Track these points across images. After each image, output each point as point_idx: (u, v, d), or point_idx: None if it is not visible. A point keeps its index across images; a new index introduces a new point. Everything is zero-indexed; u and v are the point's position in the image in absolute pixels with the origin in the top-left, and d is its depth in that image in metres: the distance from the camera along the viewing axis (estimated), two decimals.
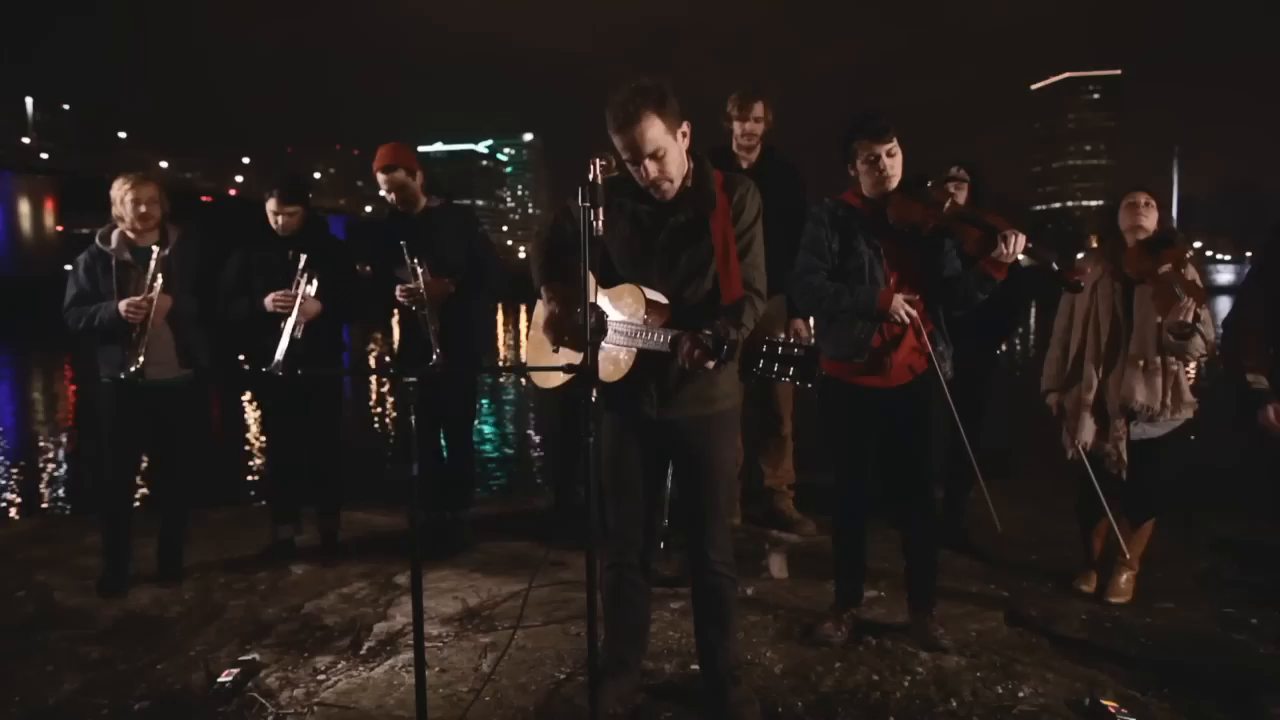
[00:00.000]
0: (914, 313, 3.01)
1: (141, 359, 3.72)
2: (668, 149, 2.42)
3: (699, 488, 2.69)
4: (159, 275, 3.76)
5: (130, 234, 3.86)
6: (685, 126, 2.49)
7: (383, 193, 4.21)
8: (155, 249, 3.78)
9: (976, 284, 3.00)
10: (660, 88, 2.39)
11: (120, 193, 3.83)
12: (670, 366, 2.52)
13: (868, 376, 3.11)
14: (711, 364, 2.28)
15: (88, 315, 3.78)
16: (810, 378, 2.22)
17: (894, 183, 3.04)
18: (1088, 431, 3.63)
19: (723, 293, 2.48)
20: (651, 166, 2.43)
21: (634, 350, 2.50)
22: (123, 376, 3.73)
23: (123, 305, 3.70)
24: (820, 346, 2.60)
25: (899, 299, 3.00)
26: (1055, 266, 3.24)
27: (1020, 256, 2.99)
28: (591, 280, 2.72)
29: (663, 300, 2.53)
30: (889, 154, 3.02)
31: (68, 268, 3.92)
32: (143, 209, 3.81)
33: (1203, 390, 3.64)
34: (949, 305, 3.12)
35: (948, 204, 3.00)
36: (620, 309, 2.55)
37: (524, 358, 2.93)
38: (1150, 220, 3.55)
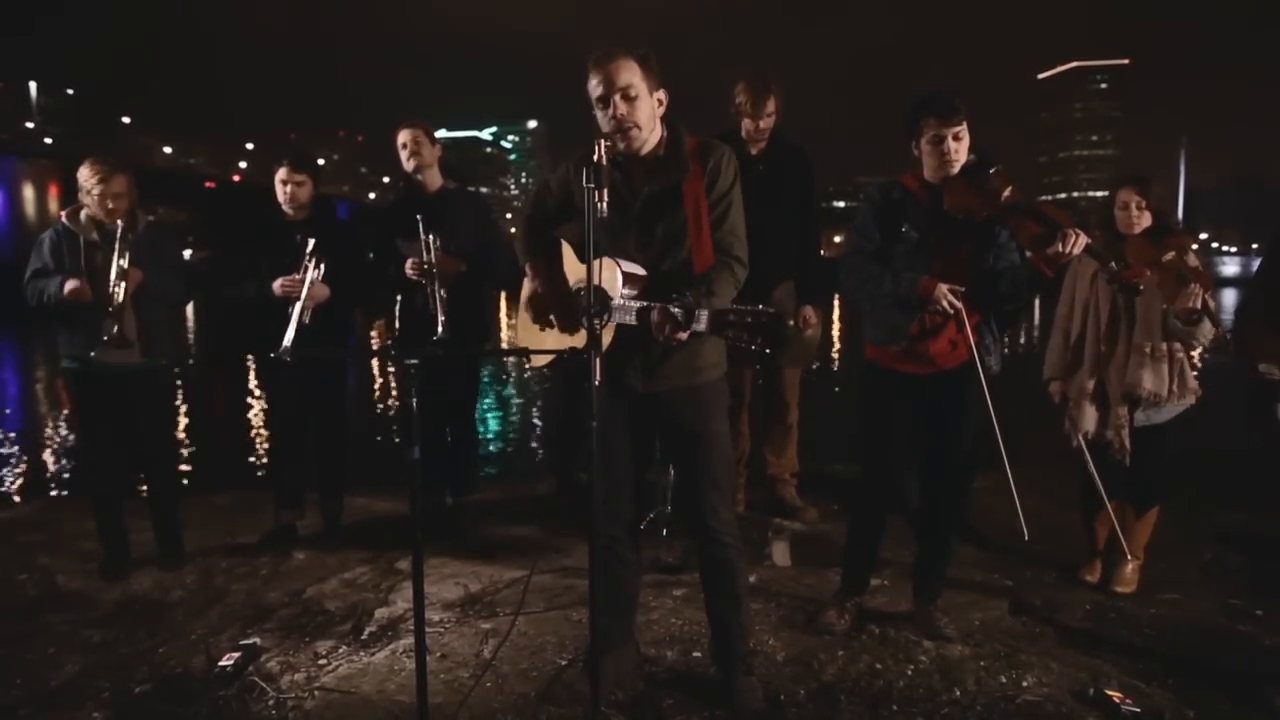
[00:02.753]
0: (958, 303, 2.92)
1: (117, 329, 3.65)
2: (640, 95, 2.42)
3: (693, 460, 2.65)
4: (125, 259, 3.69)
5: (97, 215, 3.79)
6: (663, 94, 2.49)
7: (402, 155, 4.16)
8: (123, 233, 3.70)
9: (1026, 280, 2.86)
10: (644, 49, 2.43)
11: (88, 183, 3.74)
12: (655, 339, 2.46)
13: (906, 363, 3.06)
14: (683, 335, 2.25)
15: (42, 289, 3.68)
16: (775, 343, 2.15)
17: (957, 167, 2.91)
18: (1089, 419, 3.63)
19: (694, 262, 2.46)
20: (621, 104, 2.41)
21: (612, 325, 2.47)
22: (85, 358, 3.68)
23: (68, 286, 3.60)
24: (778, 317, 2.45)
25: (942, 288, 2.91)
26: (1114, 266, 3.20)
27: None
28: (566, 250, 2.69)
29: (639, 272, 2.49)
30: (955, 137, 2.89)
31: (36, 245, 3.86)
32: (110, 205, 3.73)
33: (1206, 380, 3.61)
34: (995, 299, 2.99)
35: (1006, 192, 2.85)
36: (599, 283, 2.50)
37: (515, 337, 2.90)
38: (1145, 220, 3.51)
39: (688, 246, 2.49)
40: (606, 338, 2.48)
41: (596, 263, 2.46)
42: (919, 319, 2.99)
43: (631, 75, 2.40)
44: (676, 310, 2.22)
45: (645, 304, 2.37)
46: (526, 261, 2.70)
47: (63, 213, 3.83)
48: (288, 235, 4.04)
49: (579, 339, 2.58)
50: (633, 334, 2.46)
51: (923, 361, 3.03)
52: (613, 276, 2.45)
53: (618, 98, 2.41)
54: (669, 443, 2.72)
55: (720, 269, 2.47)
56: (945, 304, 2.91)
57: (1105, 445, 3.62)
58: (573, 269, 2.68)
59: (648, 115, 2.46)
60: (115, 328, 3.66)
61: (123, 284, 3.69)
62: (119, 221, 3.73)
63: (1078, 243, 2.74)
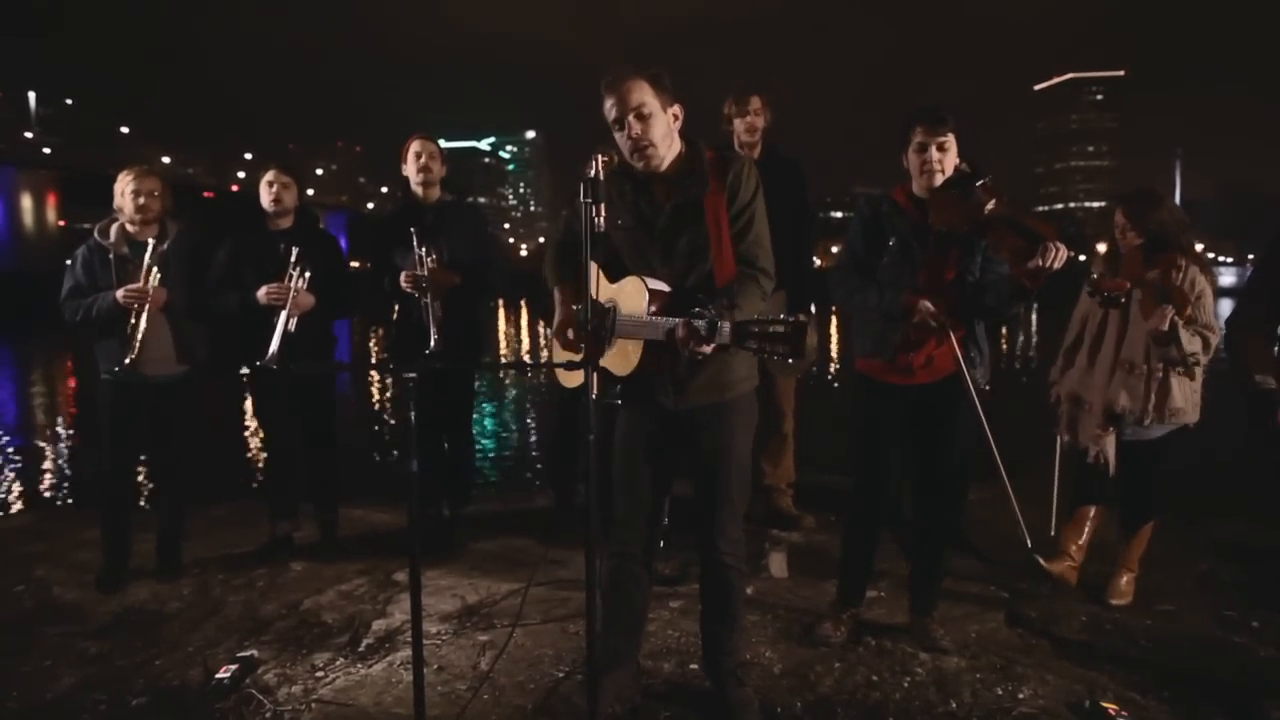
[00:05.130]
0: (940, 316, 2.92)
1: (137, 348, 3.69)
2: (654, 113, 2.45)
3: (714, 476, 2.64)
4: (154, 268, 3.74)
5: (130, 227, 3.85)
6: (677, 109, 2.52)
7: (411, 164, 4.18)
8: (152, 242, 3.76)
9: (1010, 293, 2.87)
10: (656, 69, 2.47)
11: (122, 184, 3.82)
12: (681, 355, 2.46)
13: (893, 375, 3.08)
14: (707, 349, 2.26)
15: (85, 306, 3.76)
16: (798, 353, 2.17)
17: (939, 178, 2.94)
18: (1066, 426, 3.74)
19: (716, 275, 2.48)
20: (636, 125, 2.44)
21: (640, 342, 2.48)
22: (117, 369, 3.71)
23: (120, 292, 3.68)
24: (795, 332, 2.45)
25: (924, 302, 2.94)
26: (1094, 275, 3.18)
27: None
28: (594, 272, 2.71)
29: (665, 288, 2.50)
30: (940, 147, 2.93)
31: (69, 263, 3.91)
32: (142, 200, 3.80)
33: (1203, 392, 3.62)
34: (981, 312, 3.01)
35: (990, 205, 2.84)
36: (626, 302, 2.52)
37: (551, 359, 2.90)
38: (1130, 239, 3.53)
39: (710, 260, 2.50)
40: (635, 356, 2.49)
41: (625, 281, 2.52)
42: (902, 331, 3.01)
43: (644, 94, 2.44)
44: (699, 323, 2.23)
45: (670, 319, 2.38)
46: (555, 286, 2.71)
47: (65, 226, 3.88)
48: (271, 245, 4.06)
49: (607, 358, 2.57)
50: (660, 351, 2.47)
51: (907, 373, 3.05)
52: (639, 294, 2.47)
53: (632, 118, 2.44)
54: (692, 457, 2.70)
55: (745, 280, 2.49)
56: (925, 316, 2.93)
57: (1082, 453, 3.69)
58: (601, 288, 2.67)
59: (663, 133, 2.49)
60: (135, 346, 3.69)
61: (146, 305, 3.71)
62: (149, 239, 3.77)
63: (1058, 257, 2.71)
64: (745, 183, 2.54)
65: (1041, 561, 3.69)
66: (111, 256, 3.81)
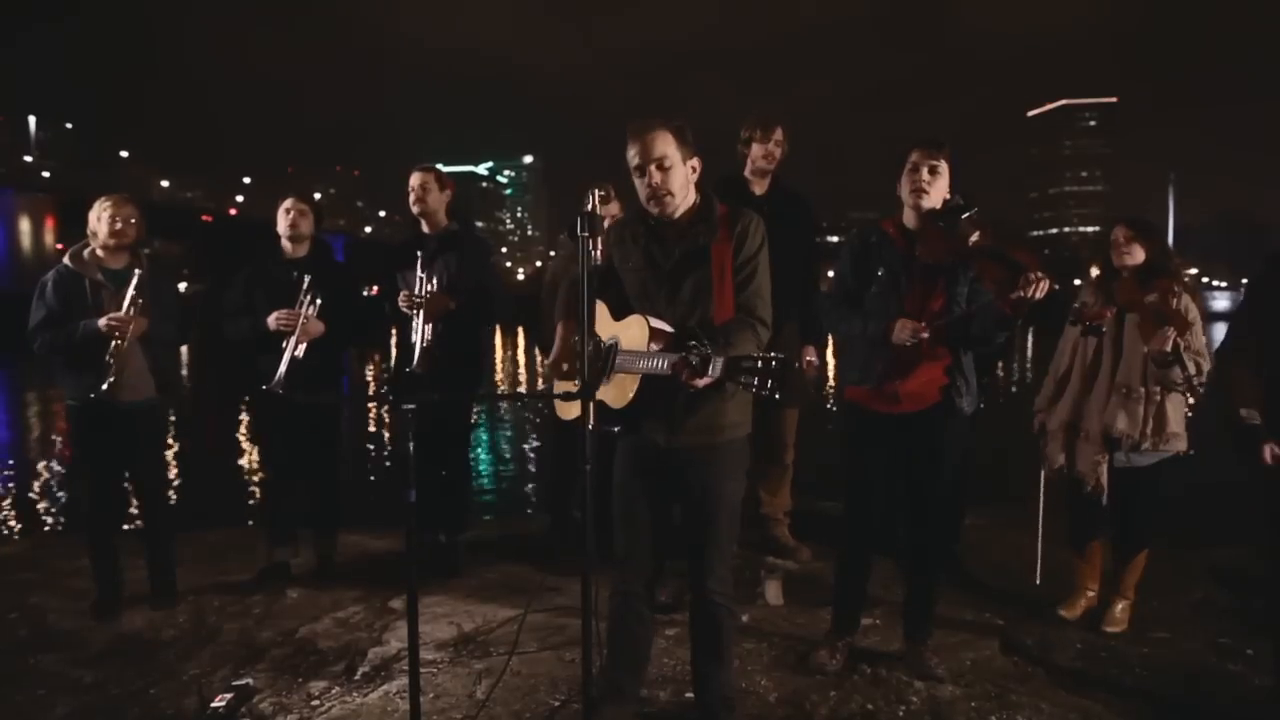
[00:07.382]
0: (924, 338, 2.95)
1: (112, 378, 3.68)
2: (674, 165, 2.54)
3: (702, 517, 2.68)
4: (140, 297, 3.74)
5: (100, 253, 3.84)
6: (696, 162, 2.60)
7: (411, 200, 4.27)
8: (137, 272, 3.76)
9: (994, 323, 2.91)
10: (681, 122, 2.56)
11: (99, 210, 3.81)
12: (678, 393, 2.53)
13: (880, 403, 3.11)
14: (701, 381, 2.31)
15: (65, 333, 3.71)
16: (777, 388, 2.19)
17: (927, 201, 3.00)
18: (1059, 454, 3.71)
19: (716, 317, 2.55)
20: (656, 174, 2.53)
21: (638, 377, 2.53)
22: (92, 396, 3.69)
23: (103, 321, 3.66)
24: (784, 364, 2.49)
25: (903, 321, 2.97)
26: (1077, 306, 3.22)
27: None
28: (600, 310, 2.75)
29: (667, 328, 2.56)
30: (932, 170, 2.99)
31: (38, 291, 3.89)
32: (119, 225, 3.79)
33: (1196, 418, 3.65)
34: (966, 341, 3.05)
35: (974, 237, 2.89)
36: (628, 338, 2.58)
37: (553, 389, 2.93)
38: (1135, 255, 3.56)
39: (712, 304, 2.58)
40: (631, 390, 2.54)
41: (630, 319, 2.57)
42: (887, 357, 3.04)
43: (666, 146, 2.52)
44: (694, 357, 2.28)
45: (667, 353, 2.43)
46: (560, 322, 2.75)
47: (63, 249, 3.88)
48: (284, 272, 4.12)
49: (604, 391, 2.61)
50: (657, 388, 2.51)
51: (893, 401, 3.08)
52: (642, 332, 2.52)
53: (653, 168, 2.53)
54: (681, 496, 2.75)
55: (741, 325, 2.54)
56: (906, 339, 2.96)
57: (1079, 481, 3.65)
58: (603, 326, 2.72)
59: (681, 183, 2.57)
60: (112, 376, 3.69)
61: (128, 334, 3.71)
62: (136, 271, 3.77)
63: (1039, 287, 2.74)
64: (752, 236, 2.62)
65: (1064, 613, 3.74)
66: (87, 283, 3.79)
